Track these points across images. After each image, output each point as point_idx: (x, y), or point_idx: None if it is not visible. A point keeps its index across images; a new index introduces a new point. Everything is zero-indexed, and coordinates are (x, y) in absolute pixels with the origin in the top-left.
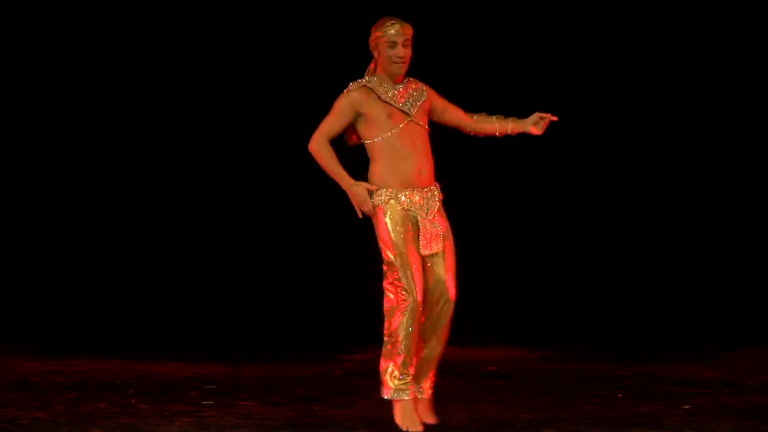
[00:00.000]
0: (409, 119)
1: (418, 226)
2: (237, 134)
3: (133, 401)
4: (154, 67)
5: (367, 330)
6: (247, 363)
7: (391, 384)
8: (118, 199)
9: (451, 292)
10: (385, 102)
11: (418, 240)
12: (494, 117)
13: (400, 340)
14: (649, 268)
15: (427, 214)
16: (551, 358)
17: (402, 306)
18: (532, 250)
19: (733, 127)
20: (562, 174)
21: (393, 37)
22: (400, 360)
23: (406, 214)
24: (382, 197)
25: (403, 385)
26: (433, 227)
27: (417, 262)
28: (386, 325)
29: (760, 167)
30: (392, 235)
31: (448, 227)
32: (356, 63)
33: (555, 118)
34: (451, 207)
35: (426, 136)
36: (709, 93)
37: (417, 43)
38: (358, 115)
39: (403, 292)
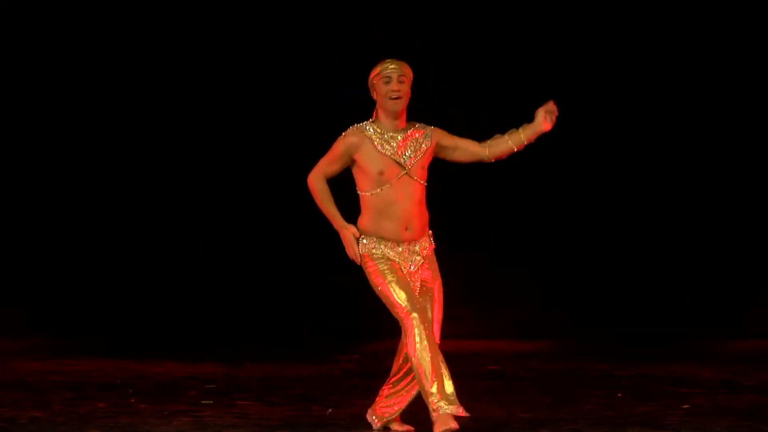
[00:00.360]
0: (404, 173)
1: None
2: (239, 136)
3: (132, 401)
4: (155, 67)
5: (365, 330)
6: (245, 363)
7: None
8: (120, 199)
9: (436, 337)
10: (381, 153)
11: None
12: (506, 135)
13: (421, 363)
14: (646, 269)
15: (411, 265)
16: (551, 358)
17: (409, 327)
18: (535, 250)
19: (733, 126)
20: (562, 174)
21: (388, 72)
22: (432, 386)
23: (391, 259)
24: (368, 246)
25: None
26: (412, 281)
27: (409, 286)
28: (409, 356)
29: (759, 166)
30: (380, 269)
31: (436, 276)
32: (355, 64)
33: (553, 105)
34: (453, 206)
35: (421, 191)
36: (708, 93)
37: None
38: (352, 161)
39: (405, 313)
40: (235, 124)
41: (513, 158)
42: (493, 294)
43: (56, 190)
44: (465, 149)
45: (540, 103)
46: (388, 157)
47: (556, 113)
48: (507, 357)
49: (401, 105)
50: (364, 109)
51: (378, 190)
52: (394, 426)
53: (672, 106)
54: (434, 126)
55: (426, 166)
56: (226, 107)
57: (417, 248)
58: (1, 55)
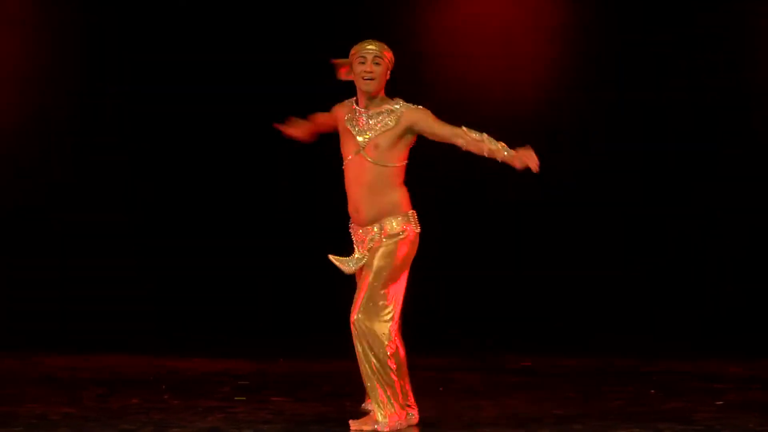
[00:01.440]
0: (358, 151)
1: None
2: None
3: (165, 397)
4: (151, 66)
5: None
6: (278, 359)
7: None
8: (145, 194)
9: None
10: (346, 128)
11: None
12: (486, 142)
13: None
14: (673, 266)
15: (358, 249)
16: (581, 355)
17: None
18: (563, 248)
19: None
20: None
21: (364, 53)
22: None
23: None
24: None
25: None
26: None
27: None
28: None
29: None
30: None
31: (378, 261)
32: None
33: (534, 161)
34: (457, 205)
35: (376, 173)
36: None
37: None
38: (337, 121)
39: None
40: (238, 128)
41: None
42: (523, 293)
43: (87, 183)
44: (441, 137)
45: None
46: (349, 131)
47: (532, 165)
48: (538, 354)
49: (373, 86)
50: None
51: (342, 166)
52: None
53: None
54: (418, 106)
55: (385, 148)
56: (226, 111)
57: (365, 233)
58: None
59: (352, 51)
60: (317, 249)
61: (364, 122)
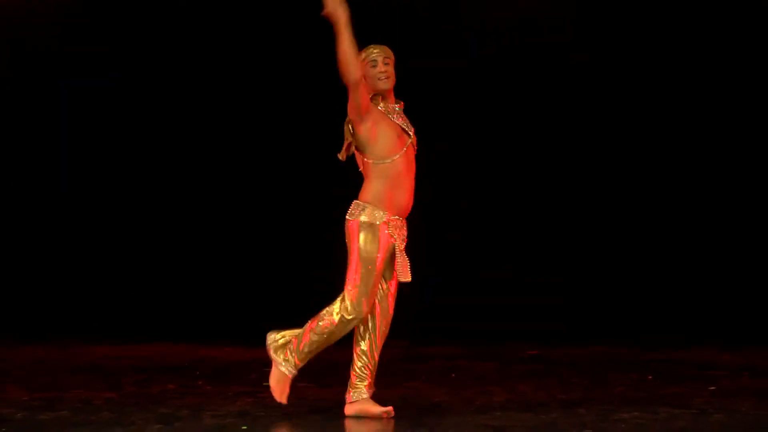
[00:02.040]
0: (410, 141)
1: (393, 254)
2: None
3: (199, 383)
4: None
5: (411, 319)
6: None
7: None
8: (184, 189)
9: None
10: (393, 121)
11: (391, 266)
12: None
13: (322, 341)
14: (668, 262)
15: (398, 242)
16: (585, 344)
17: (346, 317)
18: (568, 243)
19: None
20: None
21: (374, 56)
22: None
23: (388, 239)
24: (372, 216)
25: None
26: (405, 258)
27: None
28: (324, 315)
29: None
30: (366, 252)
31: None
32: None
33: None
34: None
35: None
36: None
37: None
38: (368, 117)
39: (354, 305)
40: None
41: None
42: (528, 286)
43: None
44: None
45: None
46: (398, 125)
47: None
48: (544, 342)
49: (390, 84)
50: None
51: (396, 156)
52: (371, 408)
53: (669, 104)
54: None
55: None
56: (223, 113)
57: (403, 225)
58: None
59: (362, 56)
60: (336, 242)
61: (403, 117)
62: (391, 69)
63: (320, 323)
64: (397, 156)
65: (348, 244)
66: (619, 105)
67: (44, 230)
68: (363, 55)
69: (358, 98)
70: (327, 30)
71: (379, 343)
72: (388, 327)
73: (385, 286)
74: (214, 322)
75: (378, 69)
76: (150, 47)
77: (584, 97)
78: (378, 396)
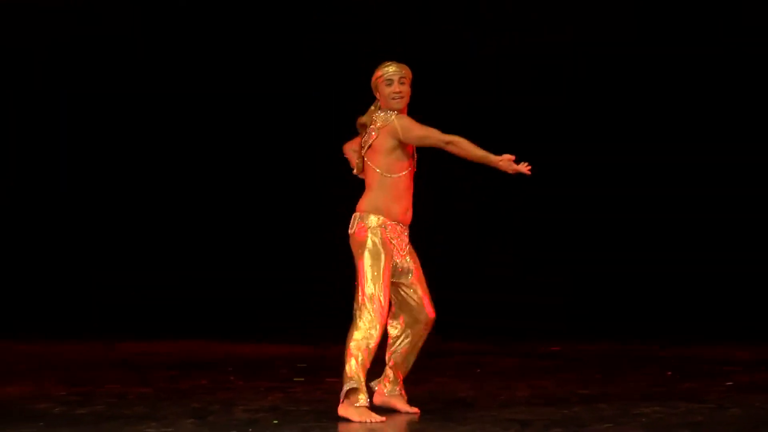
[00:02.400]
0: (412, 163)
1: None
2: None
3: (231, 378)
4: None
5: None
6: (329, 345)
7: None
8: (199, 188)
9: (431, 311)
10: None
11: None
12: (468, 146)
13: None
14: (686, 261)
15: (404, 246)
16: (604, 341)
17: (369, 327)
18: (586, 243)
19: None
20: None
21: (390, 75)
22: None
23: (388, 243)
24: (370, 220)
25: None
26: (404, 262)
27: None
28: (352, 336)
29: None
30: (373, 256)
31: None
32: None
33: (526, 168)
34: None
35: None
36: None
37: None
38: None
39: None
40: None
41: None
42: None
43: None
44: (413, 140)
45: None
46: (407, 145)
47: (522, 170)
48: (565, 339)
49: (403, 104)
50: None
51: (406, 171)
52: (400, 404)
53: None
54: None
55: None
56: (219, 113)
57: (405, 234)
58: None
59: (376, 75)
60: None
61: None
62: (406, 88)
63: (352, 344)
64: (404, 173)
65: (355, 257)
66: (620, 105)
67: (65, 228)
68: (380, 72)
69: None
70: (324, 30)
71: (408, 348)
72: (425, 329)
73: (410, 291)
74: (244, 320)
75: (392, 89)
76: (150, 47)
77: (584, 97)
78: (406, 391)
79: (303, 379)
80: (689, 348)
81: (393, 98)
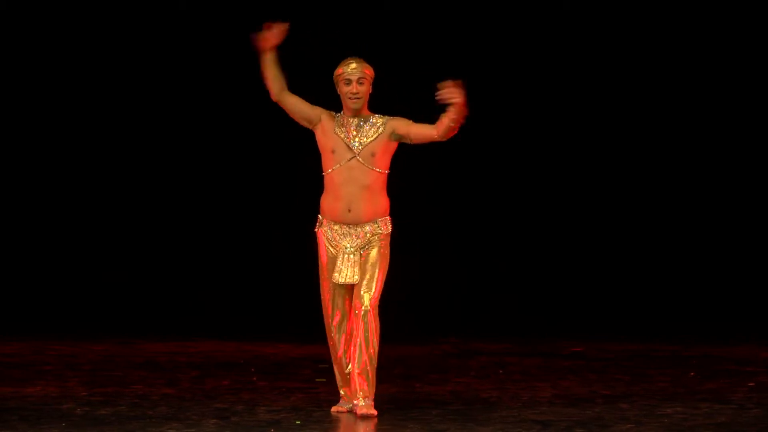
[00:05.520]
0: (352, 157)
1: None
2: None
3: (253, 379)
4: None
5: (462, 315)
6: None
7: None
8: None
9: (365, 302)
10: (336, 134)
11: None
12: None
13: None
14: (706, 262)
15: (349, 248)
16: (627, 341)
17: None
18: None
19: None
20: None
21: (348, 75)
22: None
23: (330, 244)
24: (321, 224)
25: None
26: (350, 261)
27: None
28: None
29: None
30: (319, 257)
31: (379, 261)
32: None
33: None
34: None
35: (372, 177)
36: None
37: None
38: (316, 125)
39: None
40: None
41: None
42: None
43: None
44: (417, 133)
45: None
46: (341, 139)
47: (456, 92)
48: (588, 339)
49: (360, 104)
50: None
51: (330, 170)
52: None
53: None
54: (397, 116)
55: (378, 154)
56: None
57: (359, 231)
58: None
59: (337, 71)
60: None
61: (354, 131)
62: (364, 88)
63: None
64: (331, 170)
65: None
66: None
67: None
68: (340, 69)
69: (289, 112)
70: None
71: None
72: (358, 333)
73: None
74: (267, 321)
75: (350, 88)
76: (149, 47)
77: (584, 96)
78: (428, 391)
79: (325, 379)
80: (712, 348)
81: (350, 98)
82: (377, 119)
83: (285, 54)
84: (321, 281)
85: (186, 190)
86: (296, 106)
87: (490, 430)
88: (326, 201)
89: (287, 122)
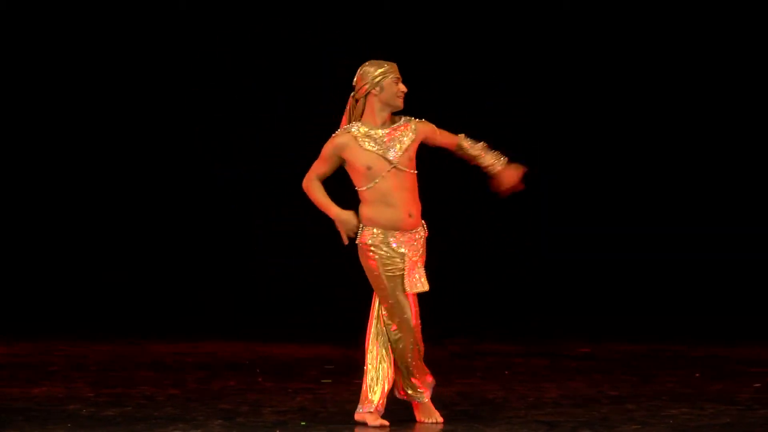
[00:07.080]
0: (392, 167)
1: (405, 265)
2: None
3: (259, 379)
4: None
5: (469, 318)
6: (356, 346)
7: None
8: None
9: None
10: (367, 150)
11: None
12: (481, 150)
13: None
14: (712, 262)
15: (414, 253)
16: (633, 342)
17: (399, 333)
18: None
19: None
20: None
21: (397, 74)
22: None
23: (394, 253)
24: (372, 237)
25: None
26: (419, 268)
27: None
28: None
29: None
30: (381, 272)
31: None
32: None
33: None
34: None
35: (412, 180)
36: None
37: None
38: (343, 160)
39: (398, 321)
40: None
41: None
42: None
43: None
44: (441, 143)
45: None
46: (374, 153)
47: (516, 182)
48: (596, 341)
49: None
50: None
51: (371, 184)
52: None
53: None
54: (422, 119)
55: (413, 157)
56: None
57: (414, 235)
58: None
59: (377, 73)
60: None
61: (388, 139)
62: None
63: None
64: (373, 185)
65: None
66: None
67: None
68: (385, 69)
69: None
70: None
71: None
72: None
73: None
74: (273, 321)
75: (401, 87)
76: (149, 47)
77: (584, 96)
78: (435, 392)
79: (331, 380)
80: (718, 349)
81: (399, 96)
82: (405, 122)
83: (285, 53)
84: (379, 291)
85: (191, 191)
86: (326, 176)
87: (497, 430)
88: (378, 210)
89: (288, 122)
